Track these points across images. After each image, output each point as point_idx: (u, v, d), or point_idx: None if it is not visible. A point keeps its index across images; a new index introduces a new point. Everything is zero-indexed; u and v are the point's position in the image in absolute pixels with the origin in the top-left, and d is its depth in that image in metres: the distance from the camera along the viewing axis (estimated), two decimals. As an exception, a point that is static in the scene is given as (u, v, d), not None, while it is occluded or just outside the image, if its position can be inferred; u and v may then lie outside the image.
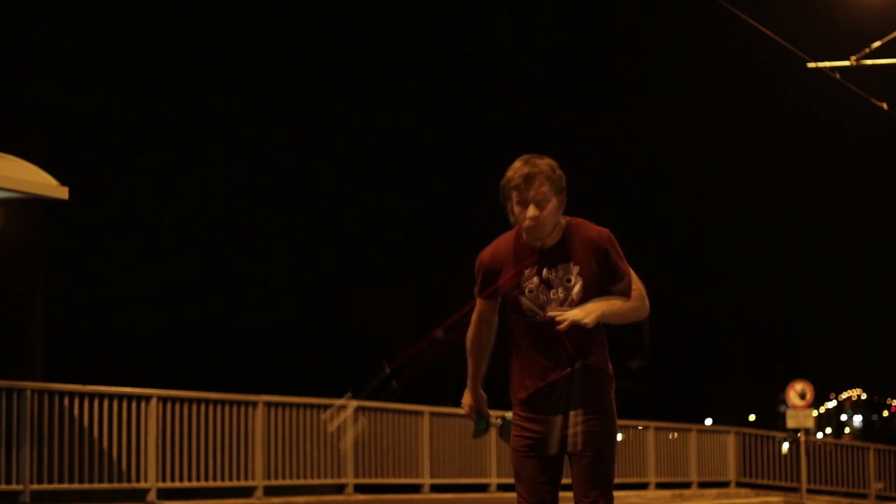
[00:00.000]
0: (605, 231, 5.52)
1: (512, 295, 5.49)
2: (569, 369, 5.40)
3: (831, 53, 20.47)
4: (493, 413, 5.81)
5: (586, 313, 5.28)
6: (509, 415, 5.68)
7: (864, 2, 19.93)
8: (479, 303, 5.64)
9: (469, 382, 5.73)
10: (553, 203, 5.43)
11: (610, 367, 5.53)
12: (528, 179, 5.41)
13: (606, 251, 5.45)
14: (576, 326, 5.34)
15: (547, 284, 5.45)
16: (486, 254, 5.58)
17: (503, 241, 5.58)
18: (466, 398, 5.74)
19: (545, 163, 5.46)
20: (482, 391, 5.73)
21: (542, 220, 5.41)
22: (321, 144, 41.42)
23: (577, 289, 5.43)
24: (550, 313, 5.34)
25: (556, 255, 5.46)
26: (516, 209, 5.45)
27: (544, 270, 5.46)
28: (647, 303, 5.53)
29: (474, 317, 5.66)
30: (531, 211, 5.40)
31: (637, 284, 5.53)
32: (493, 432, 5.82)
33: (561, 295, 5.43)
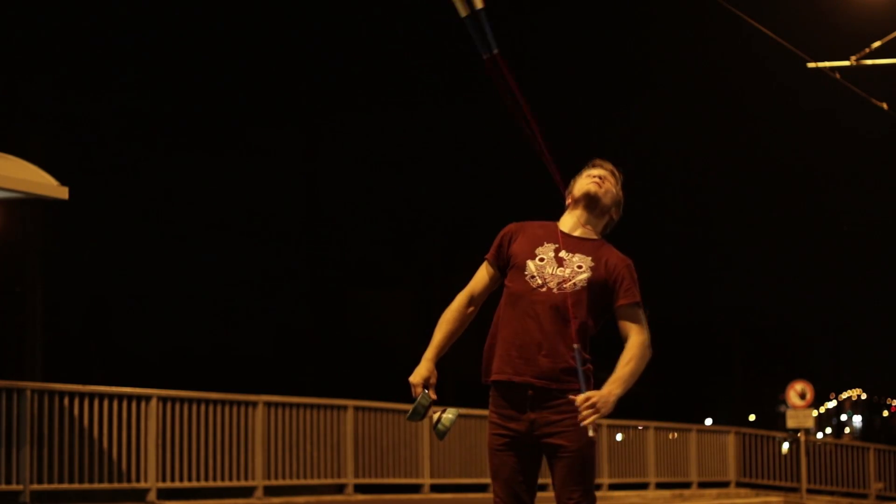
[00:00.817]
0: (629, 259, 5.58)
1: (520, 258, 5.49)
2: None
3: (831, 53, 20.49)
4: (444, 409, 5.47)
5: (604, 402, 5.20)
6: (451, 414, 5.42)
7: (864, 2, 19.92)
8: (479, 272, 5.62)
9: (428, 352, 5.49)
10: (612, 194, 5.63)
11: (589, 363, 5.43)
12: (603, 165, 5.69)
13: (622, 274, 5.48)
14: (561, 312, 5.34)
15: (559, 261, 5.46)
16: (515, 223, 5.65)
17: (536, 221, 5.66)
18: (421, 370, 5.46)
19: (619, 172, 5.72)
20: (436, 369, 5.50)
21: (604, 186, 5.59)
22: (321, 144, 41.45)
23: (581, 277, 5.42)
24: (579, 401, 5.22)
25: (580, 245, 5.51)
26: (582, 179, 5.64)
27: (563, 251, 5.48)
28: (649, 351, 5.45)
29: (466, 288, 5.62)
30: (597, 172, 5.65)
31: (645, 331, 5.46)
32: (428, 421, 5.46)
33: (566, 274, 5.42)
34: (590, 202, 5.55)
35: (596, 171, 5.63)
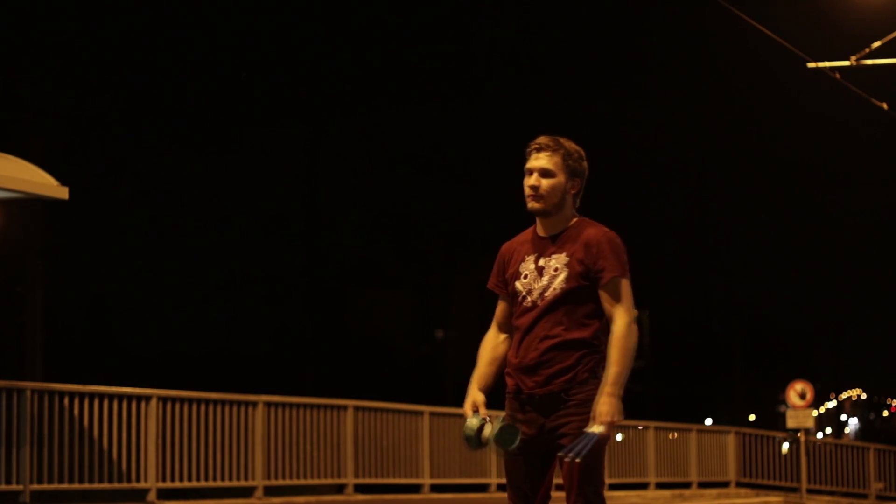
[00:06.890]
0: (610, 232, 5.44)
1: (512, 282, 5.50)
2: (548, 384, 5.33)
3: (831, 53, 20.47)
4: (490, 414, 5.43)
5: (602, 420, 5.20)
6: (488, 427, 5.34)
7: (864, 2, 19.93)
8: (497, 304, 5.62)
9: (471, 381, 5.53)
10: (559, 180, 5.42)
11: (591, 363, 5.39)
12: (539, 149, 5.46)
13: (599, 251, 5.37)
14: (551, 317, 5.33)
15: (539, 271, 5.44)
16: (505, 245, 5.61)
17: (523, 234, 5.60)
18: (467, 398, 5.47)
19: (565, 141, 5.49)
20: (481, 393, 5.50)
21: (542, 192, 5.41)
22: (321, 145, 41.44)
23: (560, 278, 5.39)
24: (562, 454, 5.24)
25: (555, 244, 5.45)
26: (524, 181, 5.47)
27: (542, 258, 5.45)
28: (634, 332, 5.31)
29: (493, 321, 5.63)
30: (531, 180, 5.43)
31: (625, 310, 5.31)
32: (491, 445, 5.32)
33: (545, 282, 5.40)
34: (537, 212, 5.47)
35: (529, 182, 5.46)
